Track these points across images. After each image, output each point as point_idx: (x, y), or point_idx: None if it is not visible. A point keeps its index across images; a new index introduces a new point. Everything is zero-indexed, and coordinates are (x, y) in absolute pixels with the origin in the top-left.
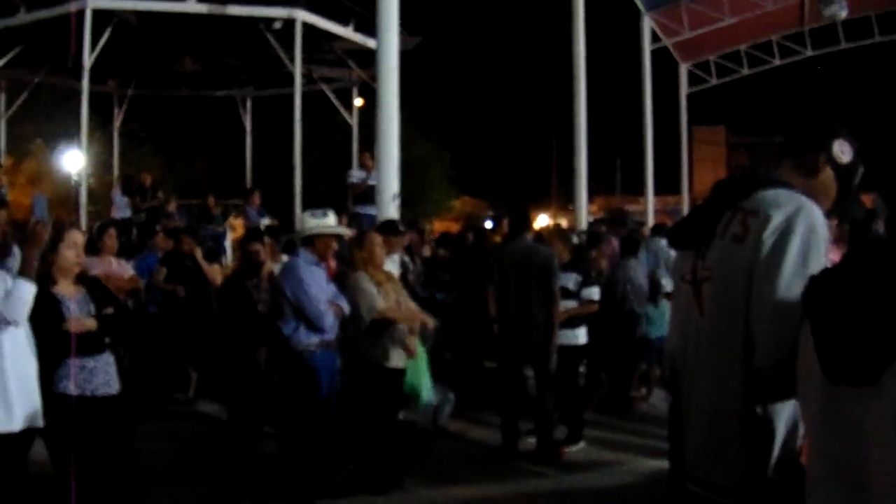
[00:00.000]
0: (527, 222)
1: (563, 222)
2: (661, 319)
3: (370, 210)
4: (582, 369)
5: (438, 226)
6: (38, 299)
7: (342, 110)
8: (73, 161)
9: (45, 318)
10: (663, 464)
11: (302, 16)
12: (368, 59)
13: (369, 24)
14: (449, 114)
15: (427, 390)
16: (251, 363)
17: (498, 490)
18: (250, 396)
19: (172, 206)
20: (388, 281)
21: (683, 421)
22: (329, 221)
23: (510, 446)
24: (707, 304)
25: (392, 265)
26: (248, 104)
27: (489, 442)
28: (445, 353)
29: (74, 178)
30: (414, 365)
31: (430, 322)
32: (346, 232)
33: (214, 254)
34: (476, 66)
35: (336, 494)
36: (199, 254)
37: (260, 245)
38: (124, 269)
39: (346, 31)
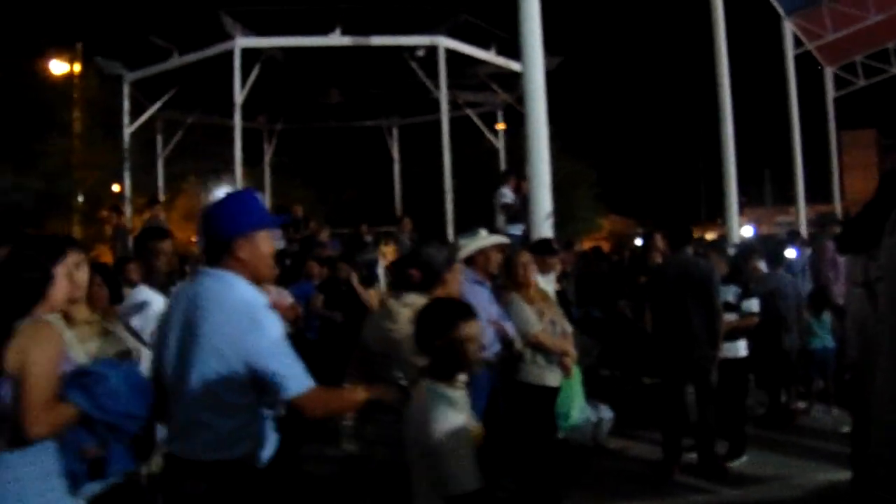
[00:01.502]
0: (687, 236)
1: (708, 236)
2: (824, 331)
3: (516, 230)
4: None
5: (587, 245)
6: None
7: (487, 134)
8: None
9: None
10: (831, 477)
11: (444, 42)
12: (512, 81)
13: (511, 47)
14: (593, 132)
15: (579, 409)
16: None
17: None
18: None
19: (325, 236)
20: (541, 300)
21: (869, 427)
22: (482, 235)
23: (671, 462)
24: (881, 304)
25: (548, 284)
26: (395, 133)
27: (649, 458)
28: (603, 370)
29: None
30: (568, 384)
31: (572, 356)
32: (505, 240)
33: (369, 280)
34: (619, 83)
35: None
36: (355, 279)
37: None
38: (284, 298)
39: (489, 55)
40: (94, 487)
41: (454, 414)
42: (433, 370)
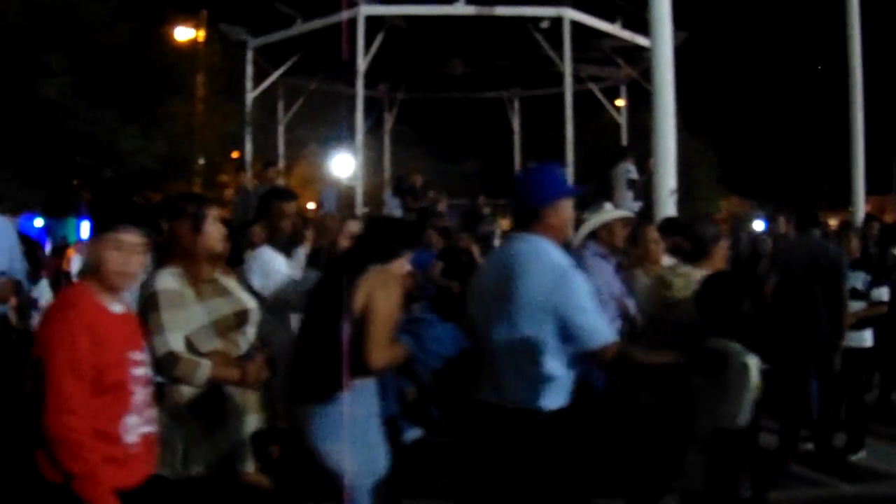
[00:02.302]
0: (814, 219)
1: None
2: None
3: (635, 205)
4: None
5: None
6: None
7: (610, 108)
8: (343, 164)
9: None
10: None
11: (570, 14)
12: (636, 56)
13: (637, 21)
14: (716, 111)
15: None
16: None
17: (773, 495)
18: None
19: (443, 206)
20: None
21: None
22: (606, 208)
23: (787, 452)
24: None
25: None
26: (516, 104)
27: (766, 445)
28: None
29: (347, 180)
30: None
31: None
32: (629, 214)
33: (485, 252)
34: (745, 62)
35: (610, 493)
36: (476, 251)
37: None
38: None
39: (614, 29)
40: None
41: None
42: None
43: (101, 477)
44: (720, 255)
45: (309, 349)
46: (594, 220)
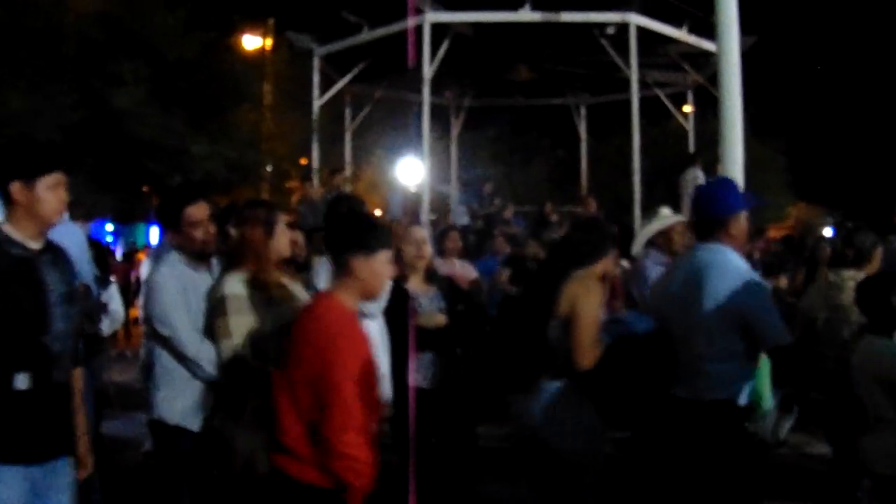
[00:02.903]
0: (891, 225)
1: None
2: None
3: None
4: None
5: (773, 232)
6: (393, 294)
7: (676, 114)
8: (409, 171)
9: (398, 313)
10: None
11: (636, 19)
12: (702, 61)
13: (703, 26)
14: (784, 116)
15: (768, 399)
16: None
17: None
18: None
19: (509, 213)
20: None
21: None
22: (663, 214)
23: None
24: None
25: None
26: (583, 111)
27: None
28: None
29: (414, 187)
30: (757, 373)
31: None
32: (683, 219)
33: None
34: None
35: None
36: (543, 257)
37: None
38: (468, 271)
39: (681, 34)
40: None
41: None
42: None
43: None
44: (877, 260)
45: (516, 349)
46: (650, 228)
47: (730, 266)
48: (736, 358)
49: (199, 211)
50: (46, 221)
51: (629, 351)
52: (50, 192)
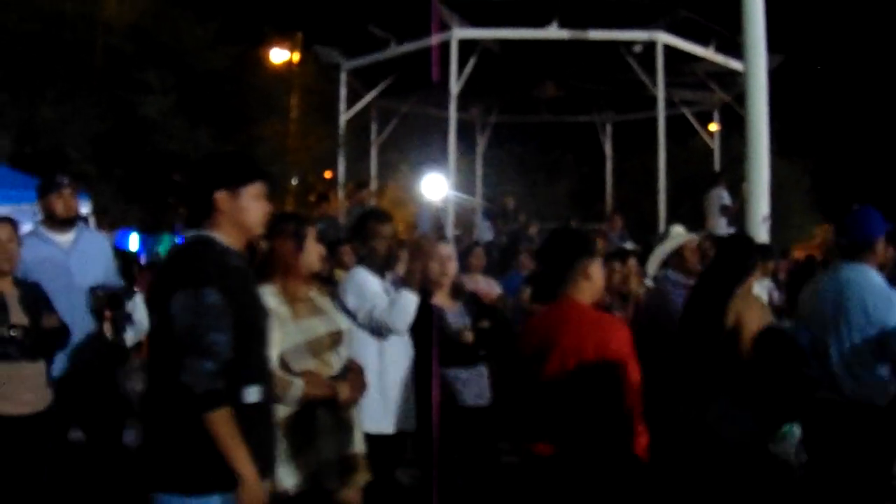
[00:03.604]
0: None
1: None
2: None
3: (728, 231)
4: None
5: (798, 253)
6: (418, 310)
7: (702, 133)
8: (433, 186)
9: (424, 329)
10: None
11: (663, 38)
12: (729, 80)
13: (731, 44)
14: (811, 135)
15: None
16: None
17: None
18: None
19: (534, 230)
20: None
21: None
22: (675, 233)
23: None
24: None
25: (761, 290)
26: (608, 129)
27: None
28: None
29: (439, 202)
30: None
31: None
32: (693, 237)
33: None
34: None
35: None
36: None
37: (619, 265)
38: (492, 287)
39: (708, 53)
40: None
41: None
42: None
43: None
44: None
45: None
46: (663, 249)
47: (872, 285)
48: (879, 366)
49: None
50: (249, 231)
51: (789, 356)
52: (254, 201)
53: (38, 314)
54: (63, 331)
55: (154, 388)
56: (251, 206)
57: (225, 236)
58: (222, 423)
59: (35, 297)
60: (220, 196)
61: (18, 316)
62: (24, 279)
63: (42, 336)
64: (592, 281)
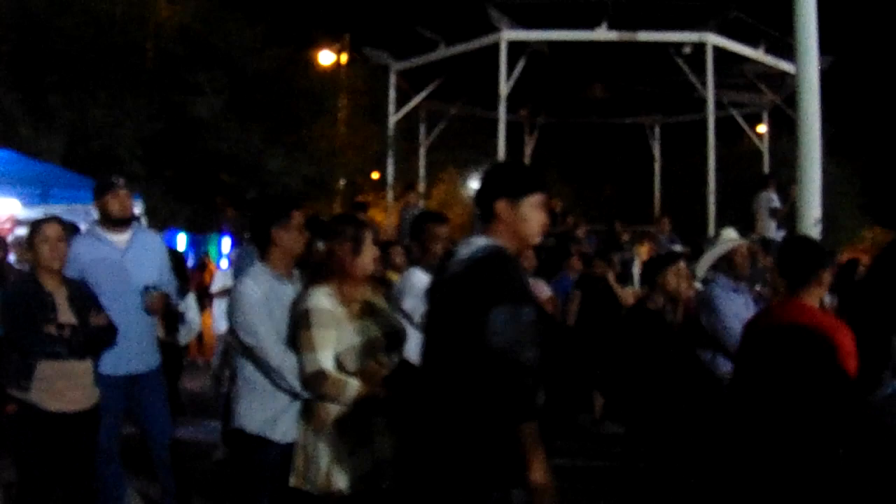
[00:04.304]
0: None
1: None
2: None
3: (778, 234)
4: None
5: (847, 257)
6: None
7: (752, 135)
8: None
9: None
10: None
11: (713, 39)
12: (779, 81)
13: (780, 45)
14: (861, 137)
15: None
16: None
17: None
18: (656, 419)
19: (582, 232)
20: None
21: None
22: (726, 236)
23: None
24: None
25: None
26: (657, 131)
27: None
28: None
29: None
30: None
31: None
32: (743, 242)
33: (623, 279)
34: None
35: None
36: (611, 277)
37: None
38: (541, 289)
39: (757, 54)
40: None
41: None
42: None
43: None
44: None
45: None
46: (713, 252)
47: None
48: None
49: (298, 217)
50: (525, 240)
51: None
52: (534, 210)
53: (86, 313)
54: (110, 330)
55: (452, 396)
56: (531, 216)
57: (504, 244)
58: (532, 433)
59: (83, 295)
60: (501, 205)
61: (67, 315)
62: (73, 278)
63: (90, 335)
64: (822, 287)
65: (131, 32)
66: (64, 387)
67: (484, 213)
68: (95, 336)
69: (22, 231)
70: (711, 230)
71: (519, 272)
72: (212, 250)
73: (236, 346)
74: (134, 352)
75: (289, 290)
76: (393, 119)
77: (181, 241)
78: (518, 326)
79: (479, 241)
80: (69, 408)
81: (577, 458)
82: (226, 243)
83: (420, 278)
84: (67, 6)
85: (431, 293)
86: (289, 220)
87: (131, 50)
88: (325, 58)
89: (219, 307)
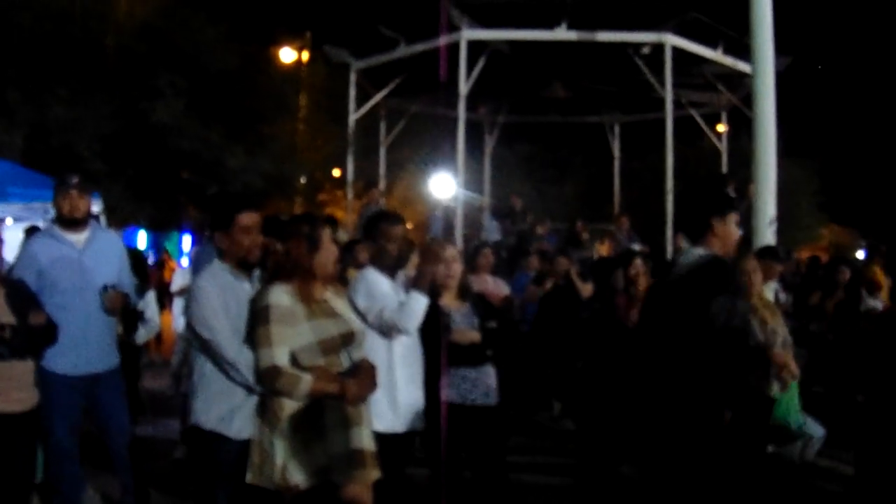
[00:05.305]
0: None
1: None
2: None
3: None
4: None
5: (805, 254)
6: (427, 311)
7: (710, 135)
8: (441, 186)
9: (433, 329)
10: None
11: (671, 40)
12: (737, 82)
13: (738, 46)
14: (818, 136)
15: (796, 424)
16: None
17: None
18: (606, 419)
19: (543, 230)
20: (764, 308)
21: None
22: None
23: None
24: None
25: (769, 292)
26: (617, 129)
27: None
28: (815, 386)
29: (448, 202)
30: (785, 396)
31: (793, 371)
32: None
33: (583, 277)
34: (849, 86)
35: None
36: (574, 273)
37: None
38: (500, 288)
39: (715, 55)
40: None
41: None
42: None
43: None
44: None
45: None
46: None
47: None
48: None
49: (250, 218)
50: (732, 249)
51: None
52: (735, 225)
53: (25, 312)
54: (50, 329)
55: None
56: (733, 231)
57: (717, 252)
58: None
59: (21, 295)
60: (716, 221)
61: (6, 315)
62: (11, 278)
63: (30, 334)
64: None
65: (92, 28)
66: (6, 387)
67: (698, 227)
68: (36, 335)
69: None
70: (670, 228)
71: (734, 275)
72: (172, 248)
73: (193, 341)
74: (93, 351)
75: (246, 287)
76: (353, 117)
77: (142, 239)
78: (735, 313)
79: (697, 251)
80: (12, 408)
81: (537, 454)
82: (186, 241)
83: (374, 278)
84: (25, 1)
85: (653, 293)
86: (230, 226)
87: (91, 46)
88: (287, 55)
89: (179, 306)
